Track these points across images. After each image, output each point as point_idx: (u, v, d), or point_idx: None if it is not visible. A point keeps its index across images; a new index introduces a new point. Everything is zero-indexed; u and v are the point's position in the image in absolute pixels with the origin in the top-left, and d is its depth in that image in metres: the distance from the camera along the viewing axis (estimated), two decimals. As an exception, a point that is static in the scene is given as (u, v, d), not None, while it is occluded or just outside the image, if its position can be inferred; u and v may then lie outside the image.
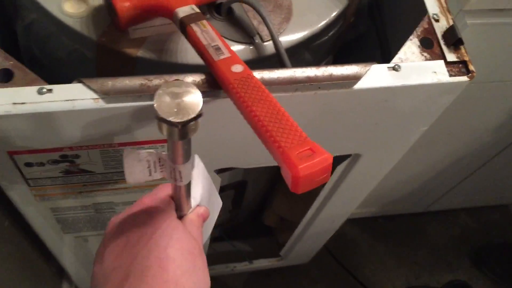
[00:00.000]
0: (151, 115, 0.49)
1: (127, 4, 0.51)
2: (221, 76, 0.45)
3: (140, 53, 0.56)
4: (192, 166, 0.40)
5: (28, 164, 0.53)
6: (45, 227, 0.71)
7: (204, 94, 0.47)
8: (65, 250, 0.82)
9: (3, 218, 0.76)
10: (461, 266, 1.41)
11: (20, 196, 0.60)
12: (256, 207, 1.22)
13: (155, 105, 0.33)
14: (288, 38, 0.59)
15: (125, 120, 0.49)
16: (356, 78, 0.51)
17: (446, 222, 1.51)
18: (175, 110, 0.33)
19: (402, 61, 0.54)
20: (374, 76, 0.52)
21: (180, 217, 0.44)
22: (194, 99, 0.35)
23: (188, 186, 0.42)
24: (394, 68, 0.53)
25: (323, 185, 0.83)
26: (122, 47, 0.56)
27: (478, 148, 1.13)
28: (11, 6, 0.63)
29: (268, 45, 0.59)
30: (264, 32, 0.59)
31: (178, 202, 0.43)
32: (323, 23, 0.62)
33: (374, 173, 0.75)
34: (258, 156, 0.63)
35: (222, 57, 0.47)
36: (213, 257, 1.20)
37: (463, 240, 1.48)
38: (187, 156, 0.38)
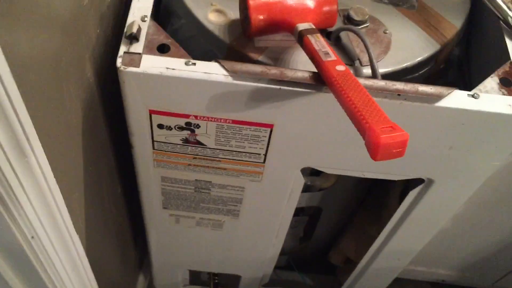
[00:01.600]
0: (264, 98, 0.62)
1: (261, 17, 0.66)
2: (327, 72, 0.57)
3: (260, 57, 0.69)
4: None
5: (160, 126, 0.67)
6: (151, 197, 0.84)
7: (311, 87, 0.60)
8: (158, 230, 0.94)
9: (118, 185, 0.90)
10: None
11: (144, 157, 0.74)
12: (325, 242, 1.28)
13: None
14: (383, 67, 0.70)
15: (244, 98, 0.62)
16: (438, 96, 0.61)
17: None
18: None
19: (481, 91, 0.63)
20: (455, 98, 0.61)
21: None
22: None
23: None
24: (474, 96, 0.62)
25: (392, 213, 0.89)
26: (247, 51, 0.69)
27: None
28: (166, 15, 0.80)
29: (366, 69, 0.70)
30: (364, 58, 0.71)
31: None
32: (415, 61, 0.72)
33: (445, 204, 0.81)
34: (345, 160, 0.72)
35: (329, 59, 0.59)
36: (275, 282, 1.27)
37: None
38: None
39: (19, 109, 0.40)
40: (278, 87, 0.60)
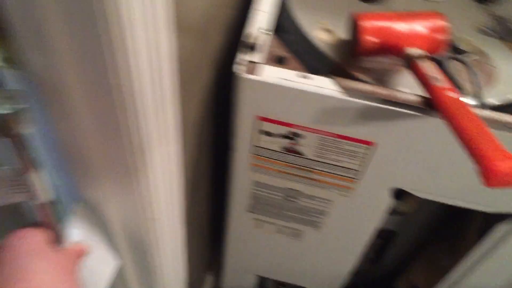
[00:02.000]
0: (370, 116, 0.64)
1: (371, 39, 0.68)
2: (439, 97, 0.59)
3: (365, 77, 0.72)
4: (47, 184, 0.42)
5: (264, 132, 0.71)
6: (239, 200, 0.88)
7: (419, 110, 0.62)
8: (238, 232, 0.98)
9: (209, 184, 0.95)
10: None
11: (241, 160, 0.78)
12: (393, 267, 1.27)
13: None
14: (488, 99, 0.70)
15: (351, 114, 0.64)
16: (548, 132, 0.61)
17: None
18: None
19: None
20: None
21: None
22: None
23: (50, 208, 0.44)
24: None
25: (469, 246, 0.88)
26: (352, 70, 0.72)
27: None
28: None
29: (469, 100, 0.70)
30: (468, 88, 0.71)
31: (50, 230, 0.46)
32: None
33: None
34: (442, 186, 0.73)
35: (440, 85, 0.60)
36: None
37: None
38: (36, 164, 0.40)
39: (171, 103, 0.45)
40: (387, 107, 0.62)
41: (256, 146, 0.75)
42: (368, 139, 0.67)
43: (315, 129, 0.68)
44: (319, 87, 0.63)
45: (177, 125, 0.50)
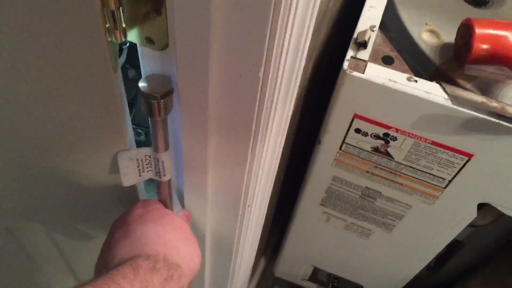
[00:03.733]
0: (475, 128, 0.62)
1: (483, 47, 0.66)
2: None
3: (469, 86, 0.69)
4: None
5: (357, 130, 0.70)
6: (313, 192, 0.88)
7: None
8: (304, 223, 0.98)
9: (283, 173, 0.95)
10: None
11: (326, 155, 0.77)
12: (452, 278, 1.24)
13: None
14: None
15: (454, 123, 0.62)
16: None
17: None
18: None
19: None
20: None
21: None
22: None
23: (170, 184, 0.49)
24: None
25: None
26: (456, 77, 0.70)
27: None
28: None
29: None
30: None
31: (164, 202, 0.50)
32: None
33: None
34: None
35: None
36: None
37: None
38: (167, 145, 0.43)
39: (292, 99, 0.45)
40: (496, 121, 0.60)
41: (346, 143, 0.74)
42: (468, 151, 0.65)
43: (413, 134, 0.67)
44: (427, 92, 0.61)
45: (289, 117, 0.50)
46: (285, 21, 0.33)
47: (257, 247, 0.82)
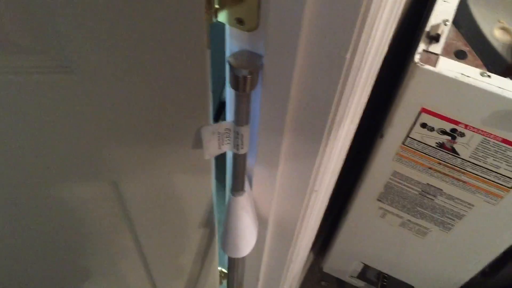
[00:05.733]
0: (550, 126, 0.61)
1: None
2: None
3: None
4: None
5: (423, 125, 0.70)
6: (371, 187, 0.88)
7: None
8: (359, 218, 0.98)
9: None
10: None
11: (388, 149, 0.77)
12: (507, 284, 1.21)
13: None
14: None
15: (528, 121, 0.61)
16: None
17: None
18: None
19: None
20: None
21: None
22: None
23: (245, 159, 0.50)
24: None
25: None
26: (528, 75, 0.68)
27: None
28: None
29: None
30: None
31: (239, 176, 0.51)
32: None
33: None
34: None
35: None
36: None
37: None
38: (248, 119, 0.45)
39: (370, 85, 0.46)
40: None
41: (410, 138, 0.74)
42: (540, 150, 0.64)
43: (482, 130, 0.66)
44: (501, 88, 0.60)
45: (364, 104, 0.51)
46: (377, 7, 0.34)
47: (314, 238, 0.83)
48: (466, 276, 1.00)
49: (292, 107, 0.45)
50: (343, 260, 1.20)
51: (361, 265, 1.21)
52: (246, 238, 0.57)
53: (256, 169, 0.55)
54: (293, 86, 0.42)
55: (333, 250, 1.18)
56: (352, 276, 1.27)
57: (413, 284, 1.14)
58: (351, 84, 0.41)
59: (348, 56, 0.37)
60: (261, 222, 0.64)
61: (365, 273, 1.26)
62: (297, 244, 0.69)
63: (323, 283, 1.38)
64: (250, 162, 0.56)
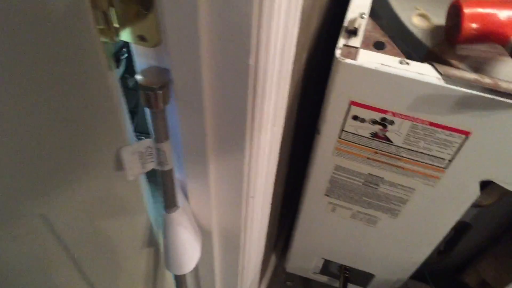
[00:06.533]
0: (470, 105, 0.63)
1: (473, 26, 0.66)
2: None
3: (461, 65, 0.70)
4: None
5: (355, 117, 0.71)
6: (317, 183, 0.89)
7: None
8: (311, 215, 0.99)
9: (287, 166, 0.96)
10: None
11: (326, 144, 0.78)
12: (463, 260, 1.25)
13: None
14: None
15: (449, 102, 0.63)
16: None
17: None
18: None
19: None
20: None
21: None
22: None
23: (172, 175, 0.50)
24: None
25: None
26: (448, 57, 0.71)
27: None
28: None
29: None
30: None
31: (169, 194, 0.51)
32: None
33: None
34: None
35: (550, 76, 0.58)
36: (403, 290, 1.26)
37: None
38: (167, 135, 0.45)
39: (287, 84, 0.46)
40: (490, 96, 0.61)
41: (345, 131, 0.75)
42: (465, 129, 0.66)
43: (409, 116, 0.68)
44: (420, 73, 0.62)
45: (284, 106, 0.51)
46: (270, 11, 0.35)
47: (265, 241, 0.83)
48: (421, 257, 1.02)
49: (209, 117, 0.44)
50: (303, 258, 1.21)
51: (322, 261, 1.22)
52: (188, 254, 0.56)
53: (189, 183, 0.55)
54: (205, 97, 0.42)
55: (293, 249, 1.18)
56: (315, 273, 1.28)
57: (373, 272, 1.16)
58: (262, 88, 0.41)
59: (251, 61, 0.37)
60: (205, 234, 0.63)
61: (327, 267, 1.27)
62: (246, 250, 0.69)
63: (288, 283, 1.38)
64: (182, 176, 0.55)
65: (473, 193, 0.78)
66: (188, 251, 0.56)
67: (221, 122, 0.44)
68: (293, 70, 0.63)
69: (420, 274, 1.28)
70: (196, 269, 0.72)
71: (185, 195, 0.57)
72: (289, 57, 0.44)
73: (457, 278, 1.28)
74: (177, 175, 0.54)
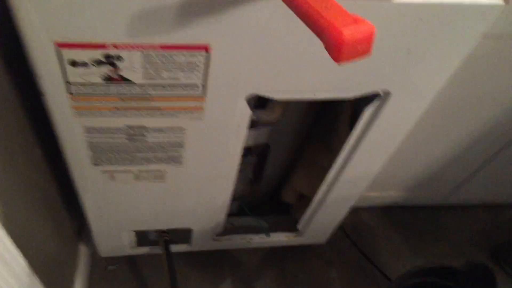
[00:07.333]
0: (195, 12, 0.51)
1: None
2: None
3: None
4: None
5: (73, 63, 0.55)
6: (76, 154, 0.72)
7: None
8: (91, 191, 0.83)
9: (35, 146, 0.77)
10: (479, 259, 1.39)
11: (59, 106, 0.62)
12: (276, 182, 1.22)
13: None
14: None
15: (170, 14, 0.51)
16: (394, -8, 0.53)
17: (463, 217, 1.50)
18: None
19: (438, -17, 0.56)
20: (412, -7, 0.54)
21: None
22: None
23: None
24: (431, -11, 0.55)
25: (343, 140, 0.84)
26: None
27: (494, 132, 1.13)
28: None
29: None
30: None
31: None
32: None
33: (403, 119, 0.76)
34: (293, 81, 0.64)
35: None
36: (230, 230, 1.20)
37: (480, 236, 1.46)
38: None
39: None
40: (210, -5, 0.50)
41: (71, 83, 0.59)
42: (201, 43, 0.55)
43: (134, 45, 0.54)
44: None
45: None
46: None
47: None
48: (227, 194, 0.94)
49: None
50: (111, 237, 1.06)
51: (133, 233, 1.09)
52: None
53: None
54: None
55: (94, 232, 1.02)
56: (132, 247, 1.14)
57: (190, 226, 1.06)
58: None
59: None
60: None
61: (144, 238, 1.14)
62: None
63: (110, 267, 1.23)
64: None
65: (244, 113, 0.69)
66: None
67: None
68: None
69: (240, 209, 1.23)
70: None
71: None
72: None
73: (278, 200, 1.26)
74: None
